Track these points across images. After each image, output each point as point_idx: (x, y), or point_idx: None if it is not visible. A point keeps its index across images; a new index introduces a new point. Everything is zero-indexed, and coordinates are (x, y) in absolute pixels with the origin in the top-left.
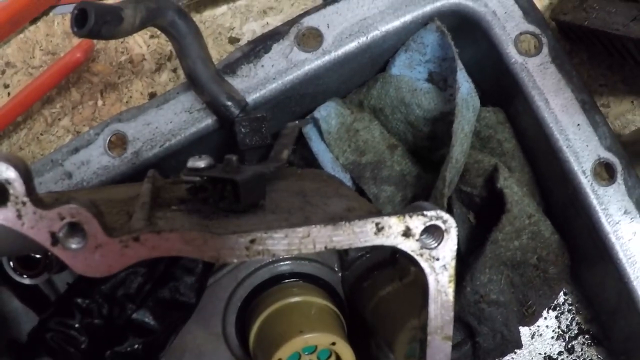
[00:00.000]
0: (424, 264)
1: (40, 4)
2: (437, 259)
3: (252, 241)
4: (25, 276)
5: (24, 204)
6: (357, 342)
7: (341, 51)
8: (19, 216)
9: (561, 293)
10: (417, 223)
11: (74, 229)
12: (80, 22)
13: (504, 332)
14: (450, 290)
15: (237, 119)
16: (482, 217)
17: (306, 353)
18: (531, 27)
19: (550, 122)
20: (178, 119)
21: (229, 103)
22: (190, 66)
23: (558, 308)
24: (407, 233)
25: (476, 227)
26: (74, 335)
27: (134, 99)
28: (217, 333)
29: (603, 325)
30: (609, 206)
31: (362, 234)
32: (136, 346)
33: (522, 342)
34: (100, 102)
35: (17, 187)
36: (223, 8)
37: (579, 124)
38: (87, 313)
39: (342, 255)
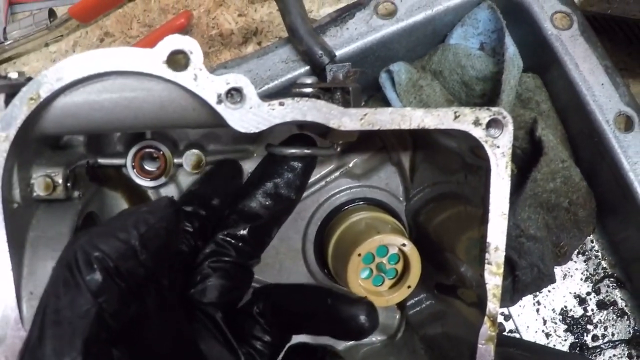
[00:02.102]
0: (488, 150)
1: None
2: (498, 147)
3: (365, 114)
4: (146, 179)
5: (200, 69)
6: None
7: (411, 20)
8: (195, 78)
9: (589, 240)
10: (484, 115)
11: (235, 92)
12: None
13: (540, 267)
14: (507, 174)
15: (327, 65)
16: (523, 168)
17: (379, 256)
18: (564, 7)
19: (579, 81)
20: (276, 67)
21: (321, 52)
22: (293, 20)
23: (586, 253)
24: (476, 122)
25: (518, 176)
26: (189, 224)
27: None
28: (297, 249)
29: (626, 270)
30: (628, 150)
31: (445, 118)
32: (244, 230)
33: (556, 280)
34: None
35: (196, 56)
36: None
37: (602, 84)
38: (199, 209)
39: (407, 187)
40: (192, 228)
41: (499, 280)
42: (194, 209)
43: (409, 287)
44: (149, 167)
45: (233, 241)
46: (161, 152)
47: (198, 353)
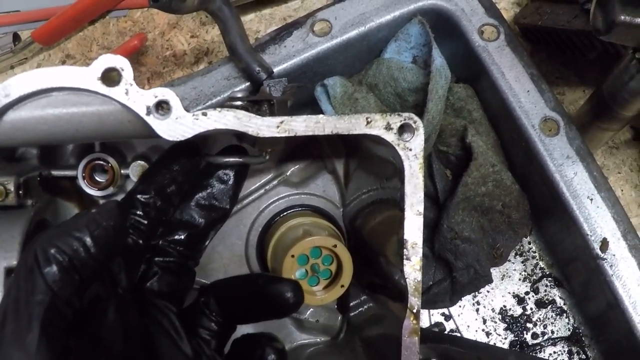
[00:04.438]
0: (400, 152)
1: (97, 8)
2: (410, 149)
3: (282, 122)
4: (95, 189)
5: (131, 84)
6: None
7: (345, 37)
8: (127, 93)
9: (526, 241)
10: (395, 120)
11: (162, 104)
12: None
13: (477, 267)
14: (420, 174)
15: (264, 81)
16: (457, 173)
17: (313, 257)
18: (491, 20)
19: (506, 89)
20: (219, 84)
21: (259, 69)
22: (232, 40)
23: (524, 254)
24: (388, 127)
25: (452, 181)
26: (138, 221)
27: None
28: (240, 255)
29: (563, 270)
30: (554, 152)
31: (357, 124)
32: (182, 236)
33: (493, 280)
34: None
35: (127, 73)
36: (251, 15)
37: (528, 91)
38: (146, 205)
39: (343, 194)
40: (148, 219)
41: (418, 275)
42: (149, 199)
43: (342, 286)
44: (99, 178)
45: (173, 246)
46: (109, 164)
47: (148, 344)
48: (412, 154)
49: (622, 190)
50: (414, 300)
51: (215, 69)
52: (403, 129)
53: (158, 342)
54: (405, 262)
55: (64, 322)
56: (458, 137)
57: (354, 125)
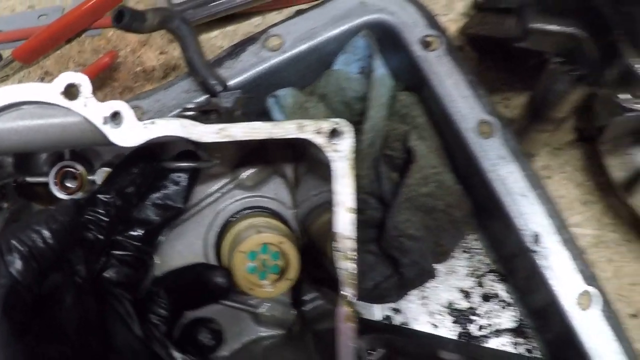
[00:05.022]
0: (330, 154)
1: (73, 28)
2: (339, 151)
3: (221, 129)
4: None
5: (88, 98)
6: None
7: (296, 51)
8: (85, 105)
9: (472, 238)
10: (325, 125)
11: (117, 115)
12: (119, 19)
13: (422, 263)
14: (350, 174)
15: (220, 93)
16: (403, 175)
17: (262, 253)
18: (431, 31)
19: (444, 95)
20: (179, 96)
21: (215, 82)
22: (190, 56)
23: (470, 251)
24: (318, 131)
25: (399, 183)
26: (99, 218)
27: None
28: (199, 253)
29: (506, 265)
30: (489, 153)
31: (291, 129)
32: (139, 232)
33: (439, 276)
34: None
35: (86, 88)
36: (215, 32)
37: (465, 96)
38: (107, 204)
39: (294, 196)
40: (109, 216)
41: (350, 266)
42: (110, 198)
43: (289, 280)
44: (69, 184)
45: (131, 241)
46: (78, 171)
47: (103, 328)
48: (341, 156)
49: (565, 189)
50: (347, 289)
51: (177, 83)
52: (333, 133)
53: (113, 326)
54: (336, 254)
55: (23, 305)
56: (402, 141)
57: (287, 130)
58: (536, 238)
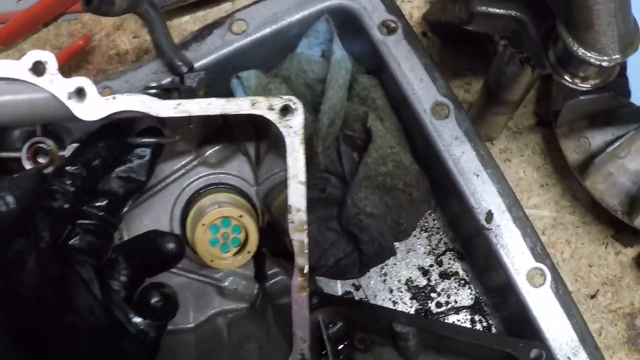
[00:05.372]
0: (282, 129)
1: (50, 12)
2: (291, 127)
3: (178, 104)
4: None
5: (54, 75)
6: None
7: (259, 34)
8: (51, 81)
9: (431, 218)
10: (277, 102)
11: (81, 91)
12: (88, 1)
13: (381, 241)
14: (300, 148)
15: (185, 74)
16: (363, 155)
17: (224, 227)
18: (390, 16)
19: (401, 78)
20: (148, 77)
21: (180, 63)
22: (157, 38)
23: (429, 230)
24: (270, 107)
25: (359, 163)
26: (65, 188)
27: None
28: (165, 228)
29: (464, 245)
30: (443, 134)
31: (244, 105)
32: (104, 202)
33: (399, 254)
34: None
35: (52, 65)
36: (187, 17)
37: (421, 79)
38: (73, 175)
39: (256, 174)
40: (75, 186)
41: (301, 237)
42: (76, 170)
43: (248, 252)
44: (41, 159)
45: (95, 211)
46: (49, 147)
47: (65, 292)
48: (293, 131)
49: (524, 172)
50: (301, 260)
51: (145, 65)
52: (285, 110)
53: (75, 290)
54: (290, 225)
55: None
56: (361, 122)
57: (240, 106)
58: (489, 216)
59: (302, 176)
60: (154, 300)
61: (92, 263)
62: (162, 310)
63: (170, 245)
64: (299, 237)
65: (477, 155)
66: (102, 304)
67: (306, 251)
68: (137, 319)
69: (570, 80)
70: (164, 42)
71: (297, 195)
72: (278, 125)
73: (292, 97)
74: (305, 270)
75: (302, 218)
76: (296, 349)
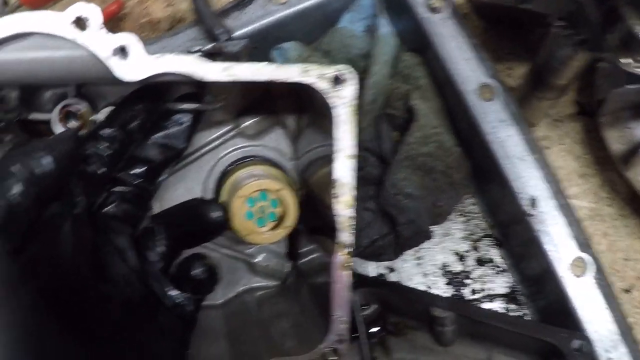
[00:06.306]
0: (332, 100)
1: None
2: (342, 98)
3: (227, 67)
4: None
5: (97, 30)
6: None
7: (301, 6)
8: (93, 38)
9: (469, 202)
10: (328, 70)
11: (125, 49)
12: None
13: (418, 223)
14: (351, 121)
15: (225, 42)
16: (403, 135)
17: (261, 200)
18: None
19: (447, 57)
20: (185, 44)
21: (220, 31)
22: (198, 4)
23: (466, 215)
24: (321, 76)
25: (399, 143)
26: (100, 152)
27: None
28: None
29: (503, 231)
30: (489, 116)
31: (294, 73)
32: (141, 169)
33: (435, 238)
34: None
35: (95, 20)
36: None
37: (468, 59)
38: (109, 138)
39: (295, 147)
40: (110, 150)
41: (349, 212)
42: (112, 132)
43: (286, 227)
44: (72, 123)
45: (132, 178)
46: (81, 110)
47: (99, 259)
48: (343, 102)
49: (564, 161)
50: (345, 236)
51: (182, 32)
52: (337, 79)
53: (110, 259)
54: (334, 200)
55: (20, 226)
56: (403, 100)
57: (290, 73)
58: (533, 202)
59: (351, 150)
60: (196, 270)
61: (128, 232)
62: (203, 282)
63: (216, 214)
64: (344, 213)
65: (523, 140)
66: (138, 274)
67: (352, 227)
68: (174, 292)
69: (633, 64)
70: (204, 8)
71: (344, 170)
72: (327, 96)
73: (346, 66)
74: (350, 248)
75: (349, 193)
76: (333, 330)
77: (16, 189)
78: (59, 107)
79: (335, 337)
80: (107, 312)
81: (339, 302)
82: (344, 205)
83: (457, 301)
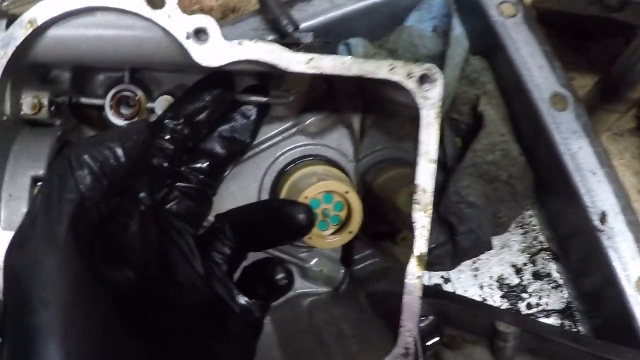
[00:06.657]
0: (419, 100)
1: None
2: (428, 98)
3: (312, 59)
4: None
5: (174, 9)
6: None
7: (370, 2)
8: (169, 17)
9: (528, 214)
10: (416, 69)
11: (202, 30)
12: None
13: (479, 233)
14: (436, 123)
15: (291, 33)
16: (466, 141)
17: (325, 202)
18: None
19: (519, 63)
20: (246, 34)
21: (287, 21)
22: None
23: (525, 226)
24: (409, 75)
25: (461, 149)
26: (165, 145)
27: None
28: (253, 197)
29: (562, 245)
30: (561, 126)
31: (381, 69)
32: (204, 164)
33: (493, 248)
34: None
35: None
36: None
37: (541, 66)
38: (174, 130)
39: (357, 148)
40: (175, 143)
41: (426, 221)
42: (177, 125)
43: (350, 232)
44: (124, 110)
45: (195, 173)
46: (137, 97)
47: (164, 260)
48: (430, 103)
49: (623, 176)
50: (420, 245)
51: (244, 20)
52: (423, 78)
53: (173, 260)
54: (415, 206)
55: (90, 222)
56: (470, 105)
57: (378, 69)
58: (603, 217)
59: (434, 154)
60: (279, 276)
61: (190, 232)
62: (281, 288)
63: (302, 216)
64: (422, 220)
65: (594, 152)
66: (203, 278)
67: (427, 235)
68: (242, 297)
69: None
70: None
71: (426, 175)
72: (415, 96)
73: (433, 66)
74: (424, 257)
75: (428, 199)
76: (401, 342)
77: (87, 181)
78: (112, 92)
79: (402, 350)
80: (177, 317)
81: (408, 314)
82: (423, 213)
83: (523, 316)
